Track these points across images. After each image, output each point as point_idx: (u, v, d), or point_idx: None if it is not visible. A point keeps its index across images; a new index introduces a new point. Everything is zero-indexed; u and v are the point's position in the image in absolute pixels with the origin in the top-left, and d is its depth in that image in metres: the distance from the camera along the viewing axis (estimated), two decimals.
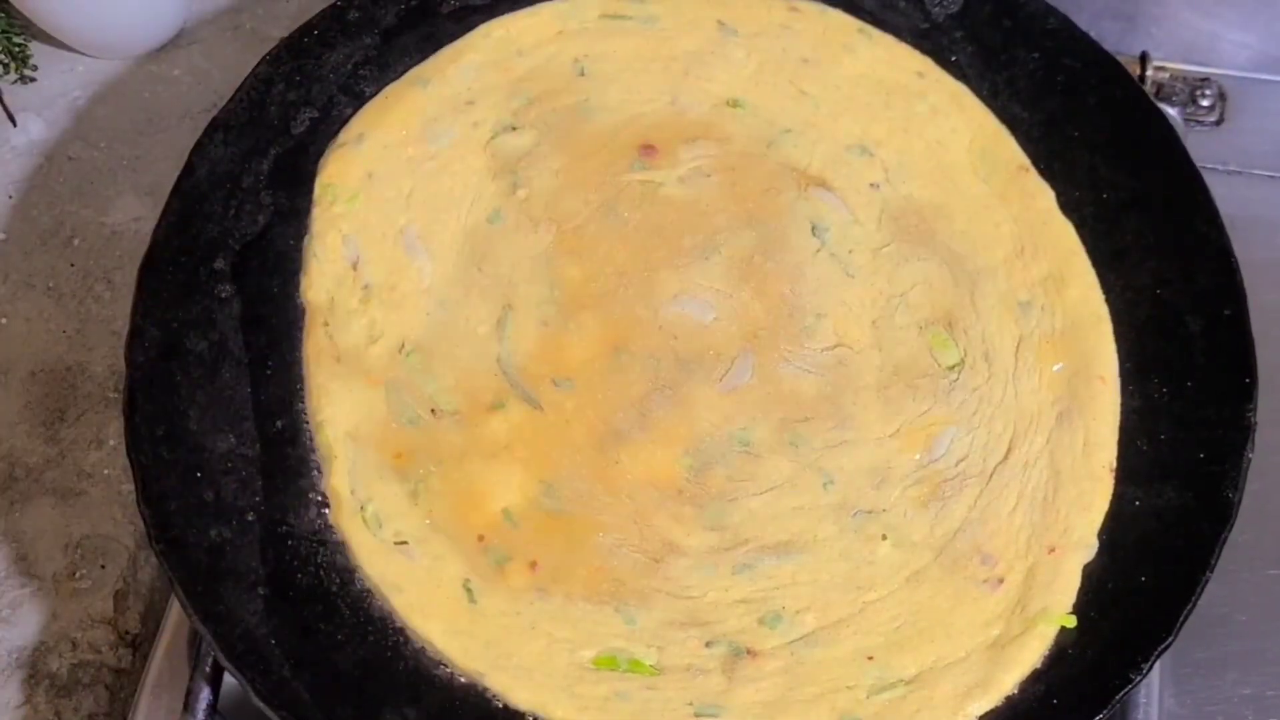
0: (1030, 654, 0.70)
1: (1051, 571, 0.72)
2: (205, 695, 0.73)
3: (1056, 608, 0.71)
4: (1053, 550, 0.73)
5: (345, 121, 0.87)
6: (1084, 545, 0.73)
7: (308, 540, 0.74)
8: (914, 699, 0.69)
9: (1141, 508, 0.74)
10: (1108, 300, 0.81)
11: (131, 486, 0.81)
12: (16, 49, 1.06)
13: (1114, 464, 0.76)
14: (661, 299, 0.80)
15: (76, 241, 0.99)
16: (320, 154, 0.86)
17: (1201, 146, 0.87)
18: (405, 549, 0.72)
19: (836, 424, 0.77)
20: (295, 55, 0.87)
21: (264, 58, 0.86)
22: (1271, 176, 1.00)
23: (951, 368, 0.79)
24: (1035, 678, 0.70)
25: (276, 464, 0.76)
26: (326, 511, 0.74)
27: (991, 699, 0.69)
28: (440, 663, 0.71)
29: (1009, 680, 0.70)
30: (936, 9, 0.92)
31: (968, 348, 0.80)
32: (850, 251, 0.83)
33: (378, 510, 0.73)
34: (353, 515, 0.73)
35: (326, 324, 0.79)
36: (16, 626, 0.83)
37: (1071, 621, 0.71)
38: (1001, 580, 0.72)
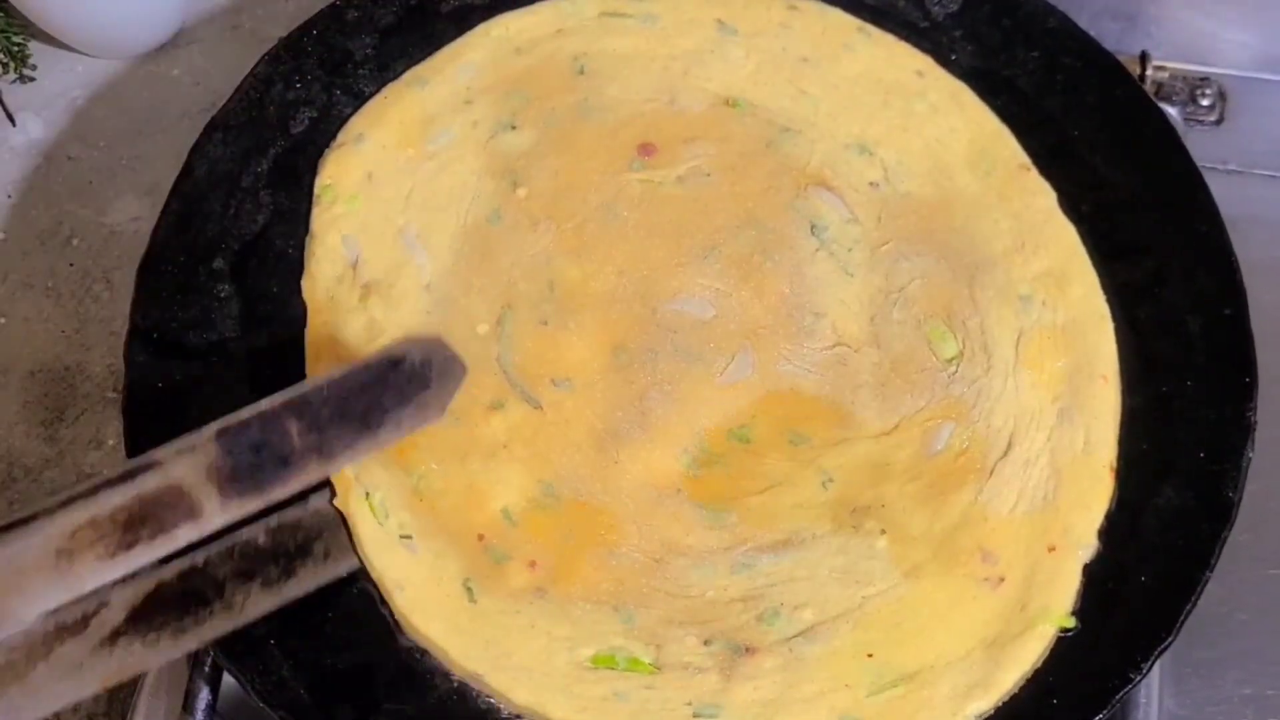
0: (1029, 653, 0.70)
1: (1051, 571, 0.72)
2: (205, 695, 0.73)
3: (1056, 607, 0.71)
4: (1053, 549, 0.73)
5: (344, 121, 0.87)
6: (1084, 544, 0.73)
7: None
8: (913, 699, 0.69)
9: (1142, 507, 0.74)
10: (1107, 299, 0.81)
11: None
12: (16, 48, 1.06)
13: (1114, 463, 0.76)
14: (661, 298, 0.80)
15: (75, 241, 0.99)
16: (319, 154, 0.86)
17: (1201, 146, 0.87)
18: (409, 543, 0.72)
19: (836, 422, 0.77)
20: (294, 55, 0.87)
21: (263, 57, 0.86)
22: (1271, 176, 1.00)
23: (950, 360, 0.79)
24: (1035, 677, 0.70)
25: None
26: (326, 510, 0.74)
27: (991, 699, 0.69)
28: (440, 662, 0.71)
29: (1008, 680, 0.69)
30: (936, 8, 0.92)
31: (966, 339, 0.80)
32: (849, 250, 0.83)
33: (384, 499, 0.73)
34: (359, 502, 0.73)
35: (327, 323, 0.79)
36: None
37: (1071, 622, 0.71)
38: (1002, 579, 0.72)
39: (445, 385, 0.64)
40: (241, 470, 0.56)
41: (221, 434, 0.57)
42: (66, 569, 0.53)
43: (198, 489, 0.56)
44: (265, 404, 0.59)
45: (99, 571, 0.54)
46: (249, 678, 0.67)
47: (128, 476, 0.55)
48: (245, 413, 0.58)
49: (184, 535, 0.56)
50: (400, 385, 0.61)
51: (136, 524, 0.54)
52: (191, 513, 0.56)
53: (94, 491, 0.55)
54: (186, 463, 0.56)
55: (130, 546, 0.54)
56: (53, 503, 0.55)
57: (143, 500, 0.55)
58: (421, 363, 0.62)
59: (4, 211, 1.00)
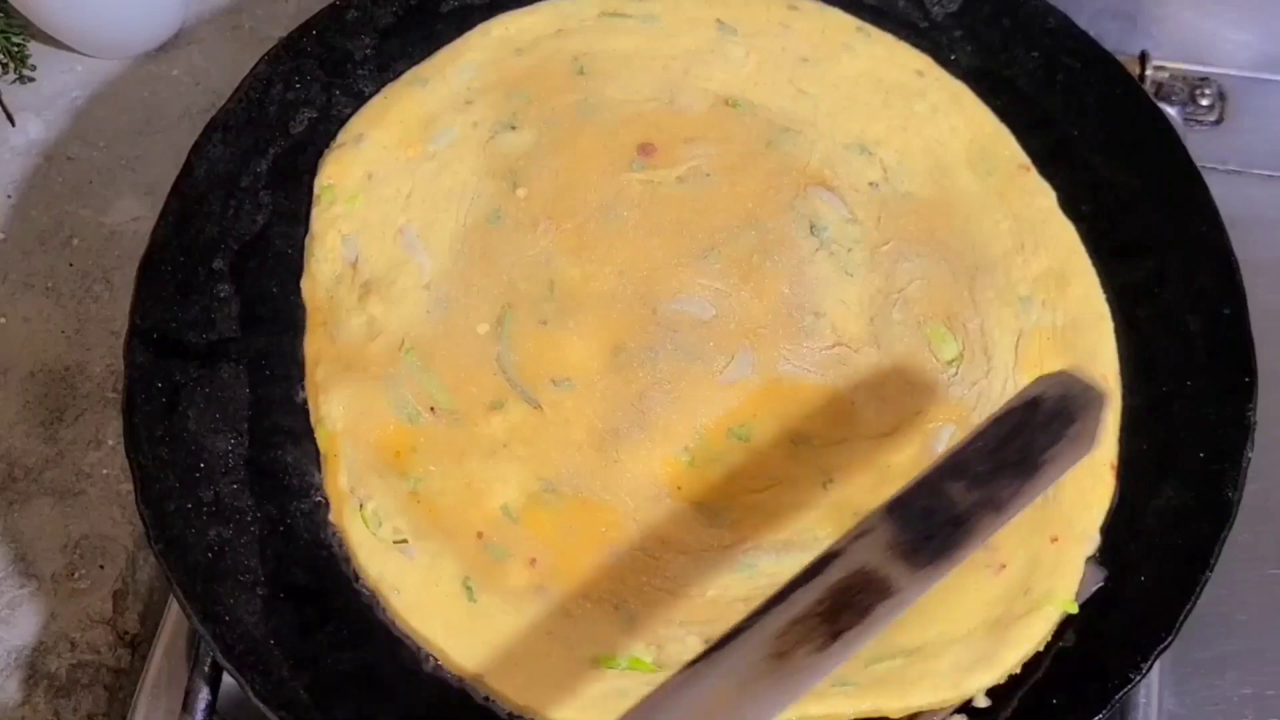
0: (1034, 633, 0.70)
1: (1054, 559, 0.72)
2: (204, 695, 0.73)
3: (1060, 592, 0.71)
4: (1055, 540, 0.73)
5: (344, 121, 0.87)
6: (1086, 538, 0.73)
7: (307, 540, 0.74)
8: (914, 669, 0.69)
9: (1142, 507, 0.74)
10: (1107, 299, 0.81)
11: (130, 486, 0.81)
12: (15, 49, 1.06)
13: (1115, 462, 0.76)
14: (661, 298, 0.80)
15: (75, 241, 0.99)
16: (319, 154, 0.86)
17: (1201, 146, 0.87)
18: (404, 547, 0.72)
19: (836, 421, 0.77)
20: (294, 55, 0.87)
21: (263, 57, 0.86)
22: (1271, 176, 1.00)
23: (950, 362, 0.79)
24: (1035, 677, 0.70)
25: (275, 464, 0.76)
26: (326, 511, 0.74)
27: (994, 674, 0.69)
28: (439, 662, 0.71)
29: (1011, 657, 0.69)
30: (936, 8, 0.92)
31: (966, 342, 0.80)
32: (849, 250, 0.83)
33: (377, 509, 0.73)
34: (353, 514, 0.73)
35: (326, 323, 0.79)
36: (15, 627, 0.83)
37: (1073, 607, 0.71)
38: (1004, 566, 0.72)
39: (1089, 415, 0.61)
40: (920, 540, 0.56)
41: (890, 510, 0.57)
42: (784, 670, 0.53)
43: (885, 567, 0.55)
44: (921, 474, 0.59)
45: (814, 666, 0.53)
46: (248, 678, 0.67)
47: (812, 573, 0.55)
48: (906, 487, 0.58)
49: (885, 615, 0.55)
50: (1045, 424, 0.61)
51: (837, 614, 0.54)
52: (886, 591, 0.55)
53: (783, 595, 0.55)
54: (865, 545, 0.56)
55: (838, 635, 0.53)
56: (748, 617, 0.55)
57: (835, 590, 0.54)
58: (1060, 398, 0.61)
59: (4, 211, 1.00)
